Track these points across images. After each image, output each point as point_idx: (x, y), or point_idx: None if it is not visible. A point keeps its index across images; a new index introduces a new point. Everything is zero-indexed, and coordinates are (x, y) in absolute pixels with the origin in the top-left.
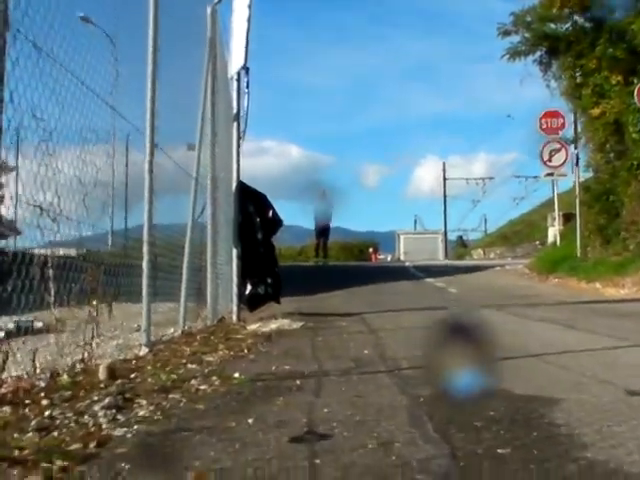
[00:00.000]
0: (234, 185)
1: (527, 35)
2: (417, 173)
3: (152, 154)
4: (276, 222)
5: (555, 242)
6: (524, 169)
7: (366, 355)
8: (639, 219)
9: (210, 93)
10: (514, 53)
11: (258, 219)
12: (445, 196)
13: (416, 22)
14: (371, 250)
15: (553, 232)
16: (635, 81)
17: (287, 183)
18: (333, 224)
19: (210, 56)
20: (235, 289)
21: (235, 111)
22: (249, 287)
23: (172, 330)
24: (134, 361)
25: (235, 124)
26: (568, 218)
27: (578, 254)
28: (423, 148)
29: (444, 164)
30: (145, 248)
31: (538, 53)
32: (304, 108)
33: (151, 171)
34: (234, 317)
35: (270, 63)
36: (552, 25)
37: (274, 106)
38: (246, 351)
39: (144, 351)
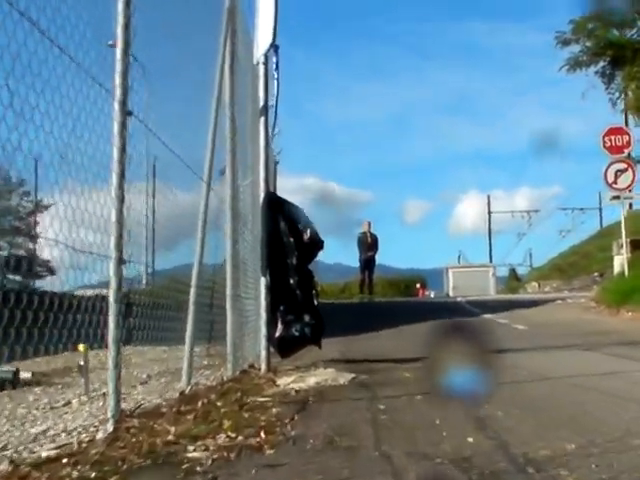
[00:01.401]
0: (262, 196)
1: (589, 44)
2: (459, 208)
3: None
4: (316, 243)
5: (623, 272)
6: (569, 201)
7: (475, 447)
8: None
9: (229, 75)
10: (575, 64)
11: (292, 239)
12: (490, 230)
13: (451, 54)
14: (418, 285)
15: (620, 261)
16: None
17: (328, 220)
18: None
19: (228, 29)
20: (263, 329)
21: (262, 102)
22: (280, 327)
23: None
24: (65, 459)
25: (262, 118)
26: (636, 245)
27: None
28: (464, 183)
29: (488, 197)
30: None
31: (601, 63)
32: (341, 142)
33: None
34: (262, 366)
35: (304, 95)
36: (616, 32)
37: (312, 142)
38: (264, 435)
39: (103, 431)
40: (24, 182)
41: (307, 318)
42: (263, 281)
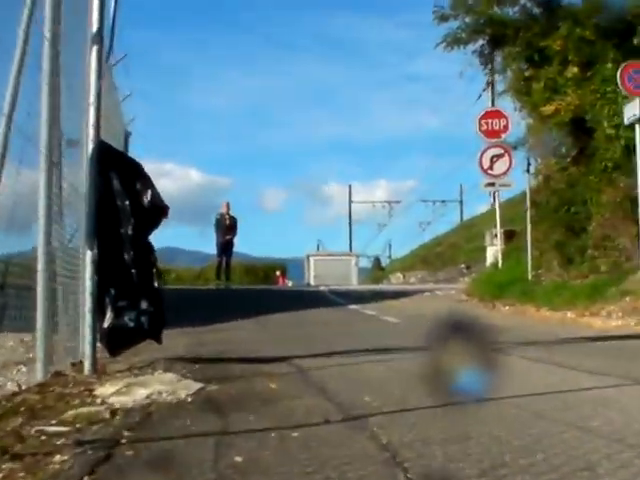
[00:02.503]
0: (90, 146)
1: (468, 20)
2: (318, 198)
3: None
4: (158, 209)
5: (496, 263)
6: (428, 194)
7: None
8: (614, 233)
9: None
10: (452, 41)
11: (128, 203)
12: (350, 219)
13: (314, 47)
14: (278, 273)
15: (493, 252)
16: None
17: (188, 206)
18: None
19: None
20: (88, 318)
21: (96, 27)
22: (109, 315)
23: None
24: None
25: (95, 47)
26: (509, 236)
27: (529, 277)
28: (324, 174)
29: (350, 186)
30: None
31: (480, 42)
32: (200, 130)
33: None
34: (86, 365)
35: (163, 84)
36: (497, 10)
37: (171, 128)
38: None
39: None
40: None
41: (144, 305)
42: (89, 256)
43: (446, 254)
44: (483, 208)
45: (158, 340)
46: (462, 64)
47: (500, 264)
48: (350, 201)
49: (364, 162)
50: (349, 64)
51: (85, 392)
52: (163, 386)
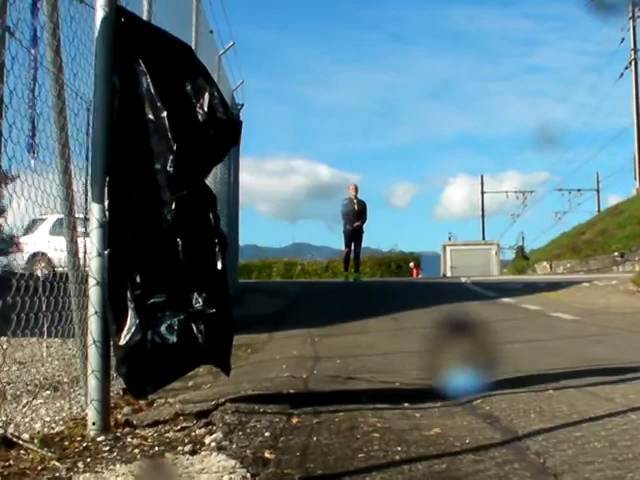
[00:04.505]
0: (100, 16)
1: None
2: (447, 192)
3: None
4: (223, 127)
5: None
6: (562, 185)
7: None
8: None
9: None
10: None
11: (166, 115)
12: (483, 210)
13: (435, 41)
14: (412, 265)
15: None
16: None
17: (317, 202)
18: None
19: None
20: (95, 328)
21: None
22: (132, 322)
23: None
24: None
25: None
26: None
27: None
28: (452, 166)
29: (482, 177)
30: None
31: None
32: (328, 126)
33: None
34: (91, 416)
35: (291, 81)
36: None
37: (300, 126)
38: None
39: None
40: None
41: (199, 302)
42: (96, 212)
43: (595, 242)
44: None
45: (223, 366)
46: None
47: None
48: (482, 192)
49: (491, 154)
50: (470, 56)
51: None
52: None
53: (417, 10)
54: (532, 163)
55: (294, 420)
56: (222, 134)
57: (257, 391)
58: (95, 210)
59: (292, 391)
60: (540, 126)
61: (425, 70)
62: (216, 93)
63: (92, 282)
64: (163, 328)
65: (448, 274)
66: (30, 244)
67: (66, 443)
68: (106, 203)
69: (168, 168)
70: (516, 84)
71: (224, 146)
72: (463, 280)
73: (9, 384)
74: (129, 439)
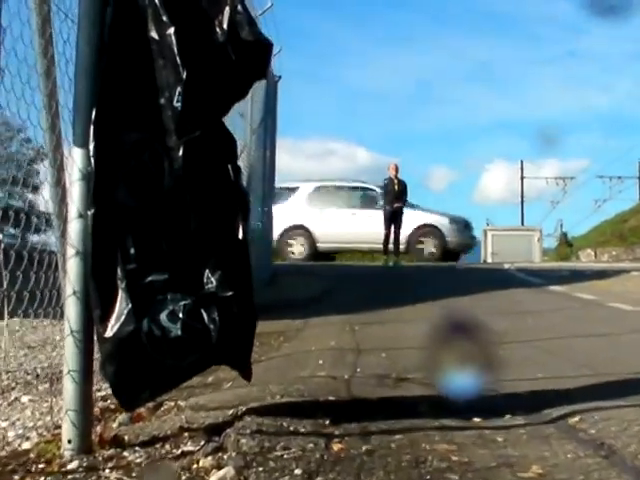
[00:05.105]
0: None
1: None
2: (485, 177)
3: None
4: (248, 50)
5: None
6: (603, 172)
7: None
8: None
9: None
10: None
11: (173, 32)
12: (522, 196)
13: (476, 23)
14: None
15: None
16: None
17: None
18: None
19: None
20: (73, 315)
21: None
22: (123, 307)
23: None
24: None
25: None
26: None
27: None
28: (490, 151)
29: (522, 162)
30: None
31: None
32: (365, 108)
33: None
34: (65, 433)
35: (331, 63)
36: None
37: (338, 108)
38: None
39: None
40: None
41: (212, 283)
42: (78, 158)
43: None
44: None
45: (241, 368)
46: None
47: None
48: (522, 177)
49: (530, 140)
50: (507, 38)
51: None
52: None
53: None
54: (573, 149)
55: (335, 447)
56: (246, 59)
57: (287, 397)
58: (76, 156)
59: (331, 398)
60: (581, 112)
61: (464, 52)
62: (240, 7)
63: (70, 252)
64: (163, 316)
65: (489, 260)
66: (283, 215)
67: (21, 473)
68: (91, 147)
69: (175, 103)
70: (557, 69)
71: (249, 75)
72: (507, 267)
73: (8, 373)
74: (107, 471)
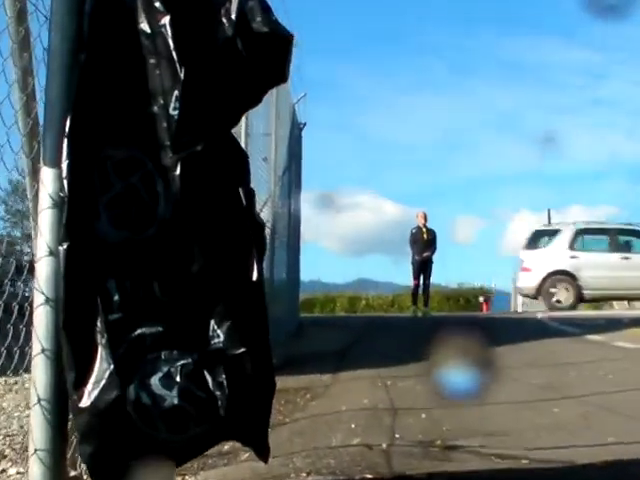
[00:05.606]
0: None
1: None
2: (511, 227)
3: None
4: (265, 44)
5: None
6: (630, 220)
7: None
8: None
9: None
10: None
11: (168, 20)
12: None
13: (493, 71)
14: (482, 299)
15: None
16: None
17: (383, 238)
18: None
19: None
20: (41, 381)
21: None
22: (103, 368)
23: None
24: None
25: None
26: None
27: None
28: (514, 201)
29: (549, 211)
30: None
31: None
32: (391, 159)
33: None
34: None
35: (351, 113)
36: None
37: (362, 159)
38: None
39: None
40: None
41: (218, 335)
42: (48, 180)
43: None
44: None
45: (256, 445)
46: None
47: None
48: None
49: (555, 189)
50: (531, 87)
51: None
52: None
53: (476, 39)
54: (598, 196)
55: None
56: (260, 56)
57: (315, 475)
58: (45, 178)
59: (369, 476)
60: (608, 159)
61: (486, 101)
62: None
63: (38, 300)
64: (156, 380)
65: (519, 310)
66: (540, 261)
67: None
68: (64, 166)
69: (171, 111)
70: (581, 116)
71: (264, 76)
72: (539, 316)
73: (7, 437)
74: None
